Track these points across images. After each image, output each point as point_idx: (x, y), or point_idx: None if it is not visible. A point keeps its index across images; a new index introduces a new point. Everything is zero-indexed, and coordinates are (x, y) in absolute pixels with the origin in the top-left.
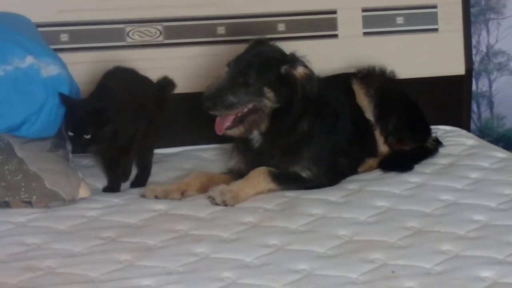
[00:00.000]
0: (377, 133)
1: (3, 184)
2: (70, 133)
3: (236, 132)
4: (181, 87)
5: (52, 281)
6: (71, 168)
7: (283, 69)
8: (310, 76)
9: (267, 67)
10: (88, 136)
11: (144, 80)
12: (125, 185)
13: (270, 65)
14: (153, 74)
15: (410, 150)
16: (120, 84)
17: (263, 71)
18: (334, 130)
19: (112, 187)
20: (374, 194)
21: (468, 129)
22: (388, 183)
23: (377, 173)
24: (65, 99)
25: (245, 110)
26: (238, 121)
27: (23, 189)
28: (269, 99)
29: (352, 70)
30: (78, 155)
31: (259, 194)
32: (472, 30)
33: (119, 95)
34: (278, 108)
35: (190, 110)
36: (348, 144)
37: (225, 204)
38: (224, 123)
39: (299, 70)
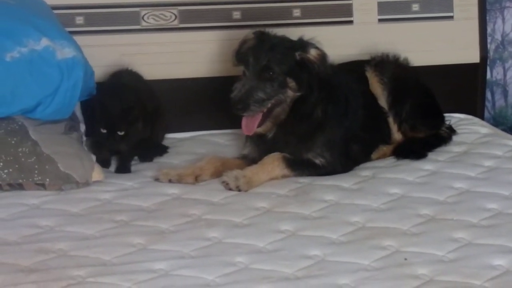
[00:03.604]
0: (390, 120)
1: (17, 166)
2: (103, 130)
3: (264, 129)
4: (195, 72)
5: (64, 263)
6: (85, 151)
7: (297, 55)
8: (323, 56)
9: (286, 57)
10: (122, 133)
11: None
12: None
13: (287, 55)
14: (168, 58)
15: (423, 138)
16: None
17: (283, 63)
18: (345, 116)
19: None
20: (387, 181)
21: (482, 117)
22: (402, 171)
23: (391, 160)
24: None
25: (270, 104)
26: (265, 117)
27: (36, 172)
28: (291, 89)
29: (367, 57)
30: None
31: (273, 179)
32: (487, 18)
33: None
34: (297, 97)
35: (204, 94)
36: (360, 130)
37: (238, 189)
38: (254, 122)
39: (312, 53)
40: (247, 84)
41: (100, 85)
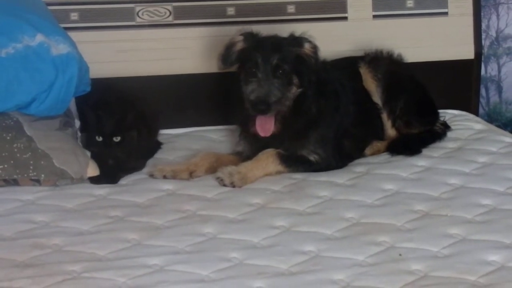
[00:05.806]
0: (384, 116)
1: (12, 162)
2: (99, 138)
3: (276, 128)
4: (190, 68)
5: (59, 259)
6: (80, 147)
7: (294, 51)
8: (316, 48)
9: (289, 55)
10: (118, 139)
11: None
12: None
13: (289, 52)
14: (163, 54)
15: (418, 134)
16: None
17: (288, 61)
18: (337, 111)
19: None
20: (381, 177)
21: (476, 113)
22: (396, 167)
23: (385, 156)
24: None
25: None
26: (276, 116)
27: (31, 167)
28: (296, 85)
29: (362, 53)
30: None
31: (267, 175)
32: (482, 14)
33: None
34: (298, 93)
35: (199, 90)
36: (353, 126)
37: (233, 185)
38: (271, 122)
39: (307, 47)
40: (265, 85)
41: (90, 97)
